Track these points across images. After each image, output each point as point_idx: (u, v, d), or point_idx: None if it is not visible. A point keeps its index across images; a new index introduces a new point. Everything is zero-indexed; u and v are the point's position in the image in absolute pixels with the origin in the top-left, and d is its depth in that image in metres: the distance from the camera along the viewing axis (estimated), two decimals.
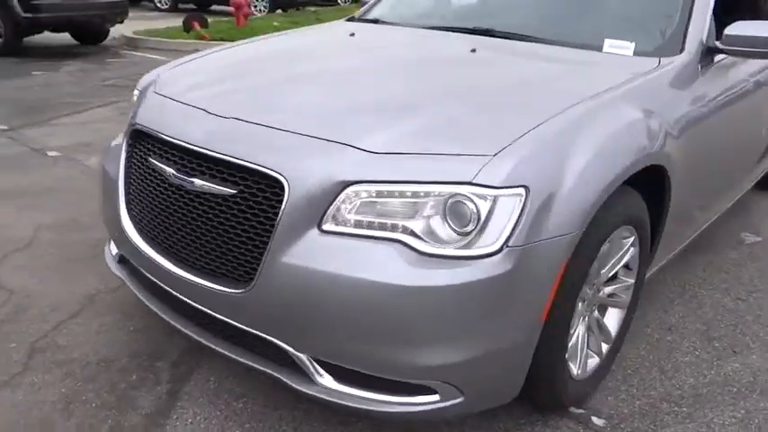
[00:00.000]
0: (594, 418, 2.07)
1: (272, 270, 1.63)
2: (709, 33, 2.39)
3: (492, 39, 2.53)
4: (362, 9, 3.29)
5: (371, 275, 1.55)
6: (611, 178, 1.72)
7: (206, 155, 1.77)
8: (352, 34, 2.76)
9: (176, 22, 11.22)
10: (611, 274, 2.08)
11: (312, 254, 1.61)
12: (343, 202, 1.61)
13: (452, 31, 2.65)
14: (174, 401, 2.05)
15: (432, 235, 1.57)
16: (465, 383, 1.65)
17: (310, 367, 1.70)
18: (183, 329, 1.92)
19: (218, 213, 1.74)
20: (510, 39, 2.53)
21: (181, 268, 1.85)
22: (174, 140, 1.86)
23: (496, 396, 1.76)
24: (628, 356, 2.39)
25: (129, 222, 2.05)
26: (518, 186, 1.57)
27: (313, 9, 15.47)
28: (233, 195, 1.71)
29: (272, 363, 1.76)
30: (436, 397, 1.65)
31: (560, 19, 2.62)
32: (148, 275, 1.99)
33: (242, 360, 1.79)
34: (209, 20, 10.98)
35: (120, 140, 2.20)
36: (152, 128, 1.97)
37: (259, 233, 1.67)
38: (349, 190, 1.60)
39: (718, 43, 2.35)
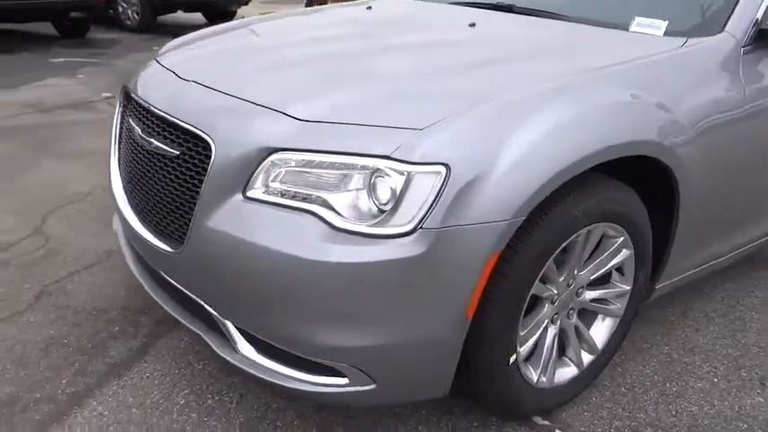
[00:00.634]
0: (538, 420, 1.88)
1: (198, 232, 1.62)
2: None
3: (505, 14, 2.35)
4: None
5: (281, 247, 1.49)
6: (565, 165, 1.52)
7: (162, 116, 1.79)
8: (369, 8, 2.68)
9: (300, 3, 11.63)
10: (593, 277, 1.86)
11: (234, 220, 1.58)
12: (267, 169, 1.56)
13: (467, 6, 2.49)
14: (141, 355, 2.12)
15: (352, 210, 1.48)
16: (376, 370, 1.55)
17: (233, 335, 1.68)
18: (144, 284, 1.97)
19: (167, 174, 1.76)
20: (530, 15, 2.33)
21: (142, 226, 1.90)
22: (141, 101, 1.91)
23: (419, 389, 1.64)
24: (629, 372, 2.14)
25: (118, 181, 2.13)
26: (437, 164, 1.44)
27: None
28: (177, 156, 1.72)
29: (204, 325, 1.76)
30: (345, 380, 1.57)
31: None
32: (125, 230, 2.07)
33: (179, 319, 1.81)
34: None
35: None
36: (131, 88, 2.04)
37: (191, 195, 1.67)
38: (273, 157, 1.55)
39: None
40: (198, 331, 1.76)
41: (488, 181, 1.46)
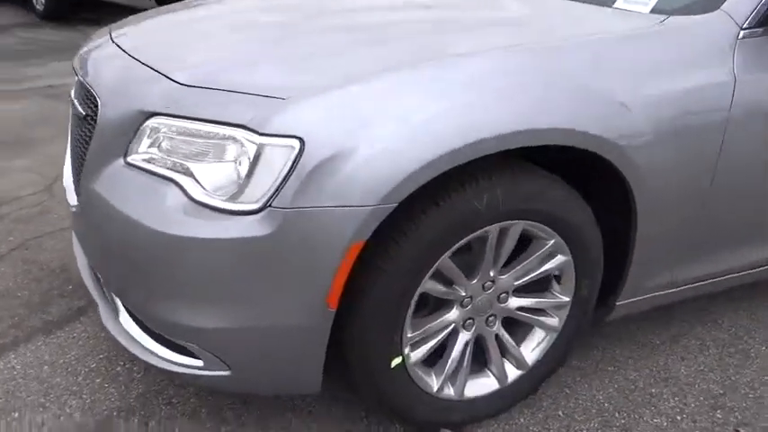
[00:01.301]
0: None
1: (84, 194, 1.59)
2: None
3: None
4: None
5: (140, 216, 1.41)
6: (448, 149, 1.33)
7: (81, 80, 1.78)
8: None
9: None
10: (518, 282, 1.65)
11: (111, 185, 1.52)
12: (147, 134, 1.49)
13: None
14: (77, 316, 2.14)
15: (212, 182, 1.38)
16: (230, 356, 1.44)
17: (117, 303, 1.64)
18: (74, 246, 1.98)
19: (78, 135, 1.74)
20: None
21: (68, 185, 1.90)
22: (74, 69, 1.91)
23: (285, 383, 1.51)
24: (577, 395, 1.89)
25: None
26: (290, 137, 1.30)
27: None
28: (84, 117, 1.70)
29: (100, 291, 1.74)
30: (200, 363, 1.48)
31: None
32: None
33: (86, 282, 1.79)
34: None
35: None
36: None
37: (83, 156, 1.63)
38: (151, 122, 1.47)
39: None
40: (95, 296, 1.74)
41: (350, 161, 1.30)
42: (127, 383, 1.85)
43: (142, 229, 1.40)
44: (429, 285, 1.50)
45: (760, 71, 1.70)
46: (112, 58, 1.71)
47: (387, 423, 1.75)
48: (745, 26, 1.69)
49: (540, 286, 1.75)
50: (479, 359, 1.74)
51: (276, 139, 1.31)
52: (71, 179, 1.86)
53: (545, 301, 1.71)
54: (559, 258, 1.65)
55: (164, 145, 1.46)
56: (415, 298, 1.49)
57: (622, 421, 1.81)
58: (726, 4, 1.71)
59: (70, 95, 1.87)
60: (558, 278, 1.72)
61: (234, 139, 1.36)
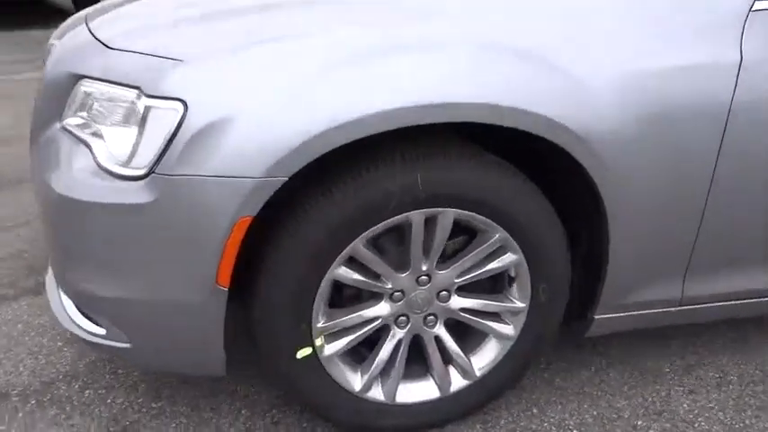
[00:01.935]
0: None
1: (33, 156, 1.62)
2: None
3: None
4: None
5: (53, 179, 1.39)
6: (341, 121, 1.19)
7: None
8: None
9: None
10: (461, 280, 1.47)
11: (47, 148, 1.52)
12: (76, 96, 1.48)
13: None
14: (37, 291, 2.16)
15: (115, 146, 1.34)
16: (128, 328, 1.39)
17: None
18: None
19: None
20: None
21: None
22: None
23: (189, 362, 1.43)
24: (541, 418, 1.66)
25: None
26: (173, 99, 1.22)
27: None
28: None
29: None
30: (102, 331, 1.44)
31: None
32: None
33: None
34: None
35: None
36: None
37: None
38: (81, 85, 1.46)
39: None
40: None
41: (235, 129, 1.20)
42: (83, 350, 1.87)
43: (53, 193, 1.38)
44: (341, 273, 1.37)
45: None
46: (74, 25, 1.73)
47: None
48: None
49: (494, 288, 1.56)
50: (424, 363, 1.57)
51: (161, 101, 1.24)
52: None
53: (495, 305, 1.52)
54: (509, 257, 1.45)
55: (90, 108, 1.44)
56: (325, 285, 1.36)
57: None
58: None
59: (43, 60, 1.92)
60: (513, 280, 1.51)
61: (132, 102, 1.31)
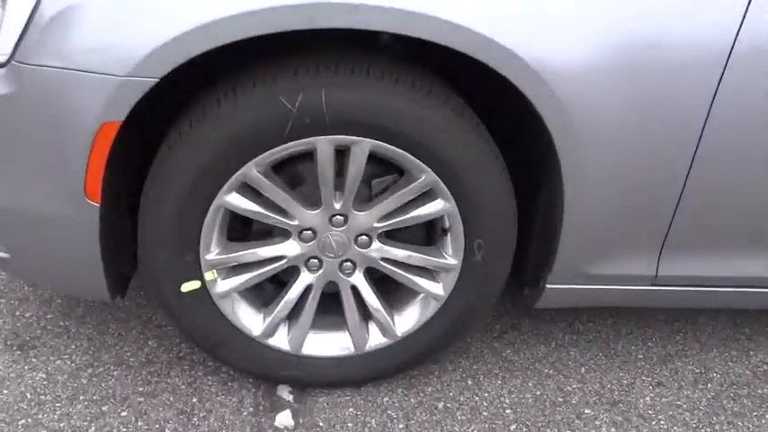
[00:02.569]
0: (285, 393, 1.41)
1: None
2: None
3: None
4: None
5: None
6: (215, 17, 0.99)
7: None
8: None
9: None
10: (383, 225, 1.26)
11: None
12: None
13: None
14: None
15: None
16: (4, 237, 1.26)
17: None
18: None
19: None
20: None
21: None
22: None
23: (68, 282, 1.30)
24: (475, 392, 1.47)
25: None
26: None
27: None
28: None
29: None
30: None
31: None
32: None
33: None
34: None
35: None
36: None
37: None
38: None
39: None
40: None
41: (95, 15, 1.02)
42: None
43: None
44: (231, 200, 1.18)
45: None
46: None
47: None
48: None
49: (424, 239, 1.35)
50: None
51: None
52: None
53: (420, 257, 1.30)
54: (439, 204, 1.23)
55: None
56: (213, 212, 1.18)
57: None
58: None
59: None
60: (446, 233, 1.29)
61: None
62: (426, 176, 1.19)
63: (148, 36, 1.00)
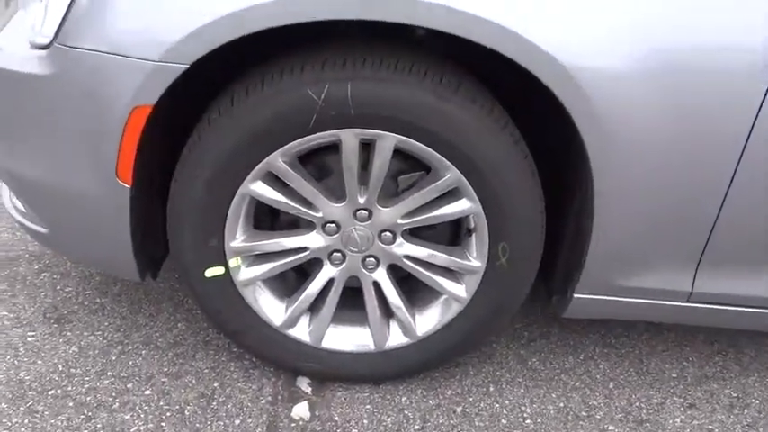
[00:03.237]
0: (304, 385, 1.41)
1: None
2: None
3: None
4: None
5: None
6: (247, 5, 1.00)
7: None
8: None
9: None
10: (407, 222, 1.25)
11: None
12: None
13: None
14: None
15: (36, 15, 1.23)
16: (40, 212, 1.32)
17: None
18: None
19: None
20: None
21: None
22: None
23: (101, 260, 1.35)
24: (496, 399, 1.44)
25: None
26: None
27: None
28: None
29: None
30: (24, 209, 1.38)
31: None
32: None
33: None
34: None
35: None
36: None
37: None
38: None
39: None
40: None
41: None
42: None
43: None
44: (256, 189, 1.19)
45: None
46: None
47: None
48: None
49: (449, 239, 1.33)
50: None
51: None
52: None
53: (443, 257, 1.28)
54: (464, 204, 1.21)
55: None
56: (239, 200, 1.20)
57: None
58: None
59: None
60: (471, 234, 1.27)
61: None
62: (451, 174, 1.17)
63: (181, 22, 1.03)
